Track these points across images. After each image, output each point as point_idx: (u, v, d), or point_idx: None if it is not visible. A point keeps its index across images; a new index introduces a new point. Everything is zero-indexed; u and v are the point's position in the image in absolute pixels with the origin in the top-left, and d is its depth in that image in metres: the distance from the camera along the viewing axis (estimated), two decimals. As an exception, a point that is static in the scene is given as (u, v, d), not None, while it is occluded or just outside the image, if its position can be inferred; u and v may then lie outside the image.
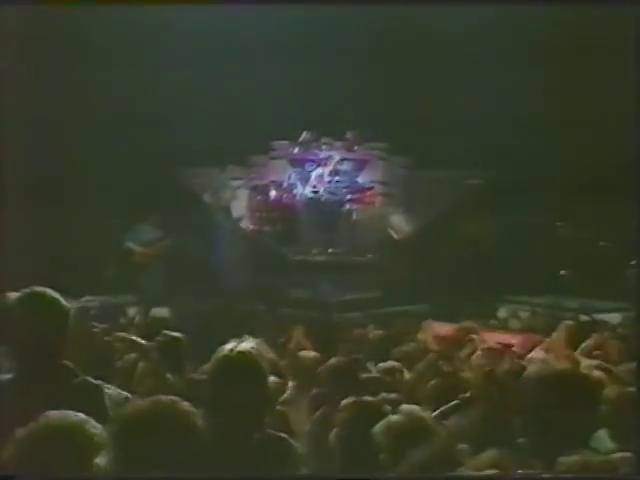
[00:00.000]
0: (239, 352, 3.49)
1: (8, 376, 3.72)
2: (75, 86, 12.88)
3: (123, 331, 8.40)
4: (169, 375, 5.36)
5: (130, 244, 13.12)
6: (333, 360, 5.94)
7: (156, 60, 13.05)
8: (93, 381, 3.80)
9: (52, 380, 3.60)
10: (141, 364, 5.98)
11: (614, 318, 9.79)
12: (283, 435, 3.58)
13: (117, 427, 2.96)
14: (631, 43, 11.33)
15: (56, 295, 3.76)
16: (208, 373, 3.59)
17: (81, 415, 2.91)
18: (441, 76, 12.91)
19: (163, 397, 3.07)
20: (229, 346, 3.56)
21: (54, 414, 2.88)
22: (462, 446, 3.87)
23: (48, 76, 12.62)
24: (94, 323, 8.63)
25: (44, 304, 3.72)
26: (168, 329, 6.85)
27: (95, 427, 2.88)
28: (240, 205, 14.06)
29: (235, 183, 14.17)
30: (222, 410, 3.41)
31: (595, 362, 6.33)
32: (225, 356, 3.49)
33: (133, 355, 6.45)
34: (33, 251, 10.82)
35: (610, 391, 4.54)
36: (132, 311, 11.58)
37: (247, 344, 3.59)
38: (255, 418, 3.47)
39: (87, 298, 10.82)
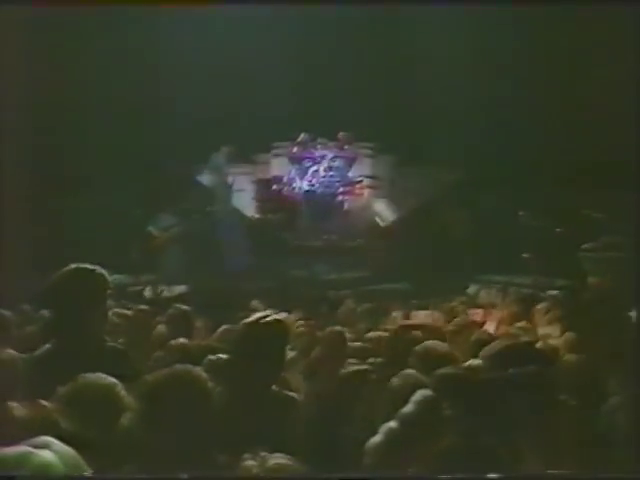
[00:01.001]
0: (273, 320, 3.55)
1: (48, 346, 3.69)
2: (84, 88, 12.72)
3: (145, 304, 8.45)
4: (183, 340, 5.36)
5: (151, 229, 13.12)
6: (327, 330, 5.96)
7: (167, 64, 12.97)
8: (120, 347, 3.81)
9: (90, 346, 3.59)
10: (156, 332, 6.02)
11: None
12: (291, 394, 3.62)
13: (143, 391, 3.01)
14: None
15: (99, 269, 3.74)
16: (240, 335, 3.62)
17: (112, 379, 2.95)
18: (423, 83, 12.91)
19: (180, 365, 3.12)
20: (261, 314, 3.61)
21: (90, 376, 2.93)
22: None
23: (63, 74, 12.43)
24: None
25: (91, 277, 3.70)
26: (182, 304, 6.92)
27: (123, 390, 2.93)
28: (246, 197, 14.06)
29: (241, 176, 14.17)
30: (249, 367, 3.44)
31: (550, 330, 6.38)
32: (258, 322, 3.53)
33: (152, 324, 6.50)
34: (68, 235, 10.82)
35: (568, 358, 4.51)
36: (152, 287, 11.64)
37: (278, 315, 3.65)
38: (273, 378, 3.53)
39: (115, 276, 10.79)
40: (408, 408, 2.96)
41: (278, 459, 2.47)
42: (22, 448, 1.56)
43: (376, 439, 2.92)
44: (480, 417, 2.64)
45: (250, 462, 2.45)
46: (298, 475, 2.38)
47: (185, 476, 2.33)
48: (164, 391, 2.92)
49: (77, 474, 1.54)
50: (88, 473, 1.57)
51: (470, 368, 3.37)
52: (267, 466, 2.43)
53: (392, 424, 2.94)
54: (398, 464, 2.69)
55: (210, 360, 4.00)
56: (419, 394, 3.00)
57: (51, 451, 1.54)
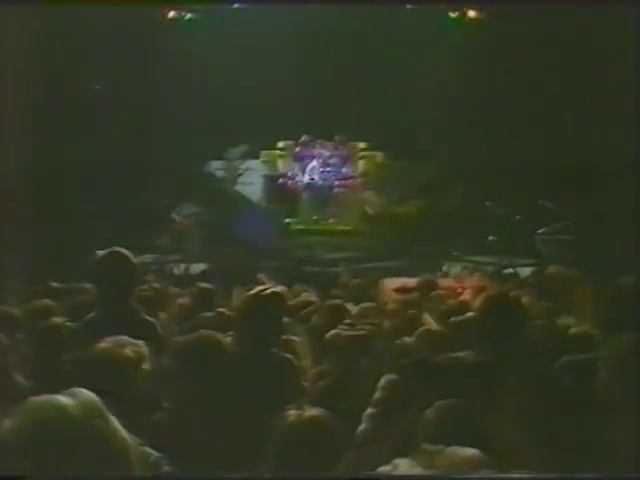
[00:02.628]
0: (270, 292, 3.57)
1: (93, 314, 3.79)
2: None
3: (170, 281, 8.45)
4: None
5: (174, 216, 13.11)
6: (328, 302, 5.96)
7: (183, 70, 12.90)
8: (150, 319, 3.87)
9: (124, 315, 3.68)
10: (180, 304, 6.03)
11: (525, 271, 9.92)
12: (289, 355, 3.65)
13: (175, 349, 3.13)
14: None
15: (129, 253, 3.84)
16: (242, 306, 3.64)
17: (129, 339, 2.98)
18: (409, 89, 12.92)
19: (205, 331, 3.24)
20: (261, 287, 3.65)
21: (112, 339, 2.95)
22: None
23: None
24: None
25: (121, 259, 3.80)
26: (203, 280, 6.94)
27: (141, 346, 2.93)
28: (256, 189, 14.10)
29: (252, 171, 14.19)
30: (251, 332, 3.47)
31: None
32: (258, 294, 3.56)
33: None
34: (110, 222, 10.83)
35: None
36: (177, 266, 11.65)
37: (274, 288, 3.69)
38: (273, 341, 3.55)
39: (146, 256, 10.79)
40: (376, 394, 2.93)
41: (314, 411, 2.49)
42: (45, 396, 1.50)
43: (361, 427, 2.88)
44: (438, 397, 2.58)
45: (291, 412, 2.48)
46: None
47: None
48: (193, 350, 3.03)
49: (96, 419, 1.49)
50: (108, 418, 1.51)
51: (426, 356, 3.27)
52: (303, 417, 2.46)
53: (369, 410, 2.92)
54: (383, 442, 2.64)
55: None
56: (383, 380, 2.96)
57: (73, 398, 1.49)
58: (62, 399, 1.48)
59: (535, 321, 4.45)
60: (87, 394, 1.51)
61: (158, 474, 1.48)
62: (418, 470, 1.33)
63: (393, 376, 2.94)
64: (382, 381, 2.95)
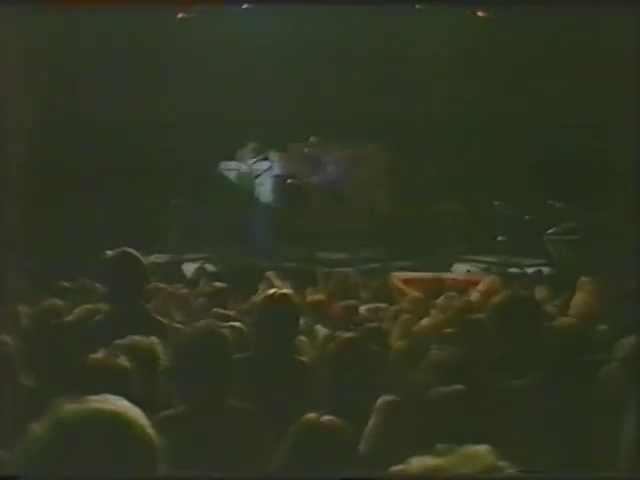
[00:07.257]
0: (283, 295, 3.58)
1: (103, 314, 3.83)
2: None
3: (180, 282, 8.46)
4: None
5: (189, 216, 13.12)
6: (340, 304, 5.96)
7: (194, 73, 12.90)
8: (161, 319, 3.90)
9: (134, 316, 3.70)
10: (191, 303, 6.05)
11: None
12: (302, 358, 3.64)
13: (181, 340, 3.18)
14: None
15: (137, 254, 3.87)
16: (256, 308, 3.65)
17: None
18: (416, 88, 12.91)
19: (209, 322, 3.36)
20: (274, 290, 3.65)
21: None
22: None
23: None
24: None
25: (130, 259, 3.83)
26: (215, 280, 6.96)
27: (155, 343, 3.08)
28: (266, 190, 14.13)
29: (262, 172, 14.22)
30: (266, 336, 3.48)
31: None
32: (271, 296, 3.56)
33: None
34: (121, 223, 10.86)
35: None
36: (188, 266, 11.68)
37: (286, 290, 3.69)
38: (287, 344, 3.54)
39: (156, 255, 10.81)
40: (373, 416, 2.87)
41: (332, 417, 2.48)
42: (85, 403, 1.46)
43: (362, 445, 2.83)
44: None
45: (310, 414, 2.47)
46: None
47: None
48: (197, 340, 3.07)
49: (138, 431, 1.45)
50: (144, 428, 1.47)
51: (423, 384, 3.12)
52: (323, 420, 2.45)
53: (369, 427, 2.86)
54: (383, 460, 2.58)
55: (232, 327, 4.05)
56: (379, 401, 2.90)
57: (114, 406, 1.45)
58: (102, 407, 1.43)
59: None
60: (126, 404, 1.47)
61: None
62: (431, 468, 1.33)
63: (390, 397, 2.86)
64: (379, 402, 2.90)
